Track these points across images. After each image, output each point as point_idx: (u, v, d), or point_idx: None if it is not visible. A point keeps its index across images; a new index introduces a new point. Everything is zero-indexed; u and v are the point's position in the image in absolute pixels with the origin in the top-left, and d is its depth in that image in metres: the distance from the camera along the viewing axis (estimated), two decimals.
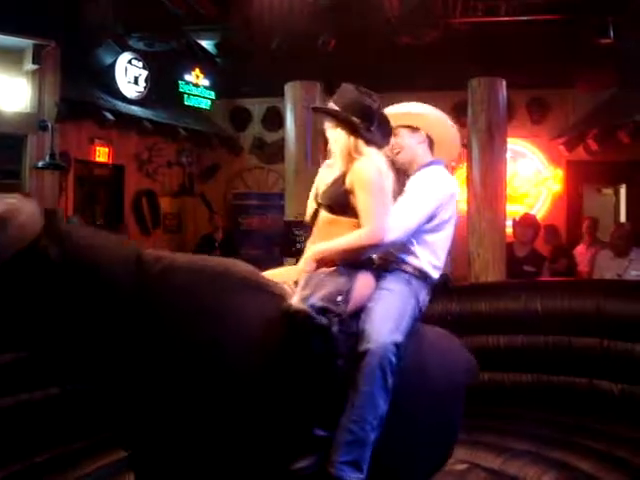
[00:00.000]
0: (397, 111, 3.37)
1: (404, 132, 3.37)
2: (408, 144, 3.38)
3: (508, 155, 7.74)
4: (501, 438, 4.60)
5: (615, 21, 7.50)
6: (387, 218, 3.07)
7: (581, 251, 7.84)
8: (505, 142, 7.29)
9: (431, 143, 3.43)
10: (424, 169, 3.37)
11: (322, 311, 2.78)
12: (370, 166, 3.10)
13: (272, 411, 2.76)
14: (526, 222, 7.31)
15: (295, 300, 2.81)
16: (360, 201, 3.06)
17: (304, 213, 3.37)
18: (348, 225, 3.11)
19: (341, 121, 3.17)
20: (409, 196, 3.28)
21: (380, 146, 3.20)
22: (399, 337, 3.01)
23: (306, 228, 3.34)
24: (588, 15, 7.58)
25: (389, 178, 3.14)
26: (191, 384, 2.61)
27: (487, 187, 7.01)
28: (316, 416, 2.86)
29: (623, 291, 5.00)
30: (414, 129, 3.38)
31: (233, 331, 2.70)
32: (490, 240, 6.91)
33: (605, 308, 4.92)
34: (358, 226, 3.09)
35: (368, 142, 3.15)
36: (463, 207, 8.72)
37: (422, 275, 3.28)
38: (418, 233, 3.25)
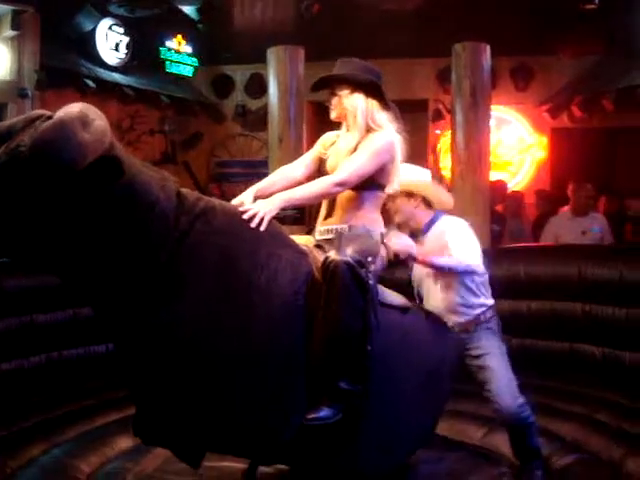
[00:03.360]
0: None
1: (401, 198, 3.71)
2: (404, 208, 3.75)
3: (492, 123, 7.71)
4: (484, 405, 4.65)
5: None
6: (359, 176, 3.07)
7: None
8: (489, 107, 7.24)
9: (429, 202, 3.78)
10: (442, 223, 3.79)
11: (359, 264, 2.84)
12: (383, 137, 3.13)
13: (296, 360, 2.82)
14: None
15: (332, 253, 2.87)
16: (353, 155, 3.09)
17: None
18: (371, 199, 3.17)
19: (359, 83, 3.15)
20: (462, 251, 3.63)
21: (392, 109, 3.23)
22: None
23: None
24: None
25: (398, 154, 3.20)
26: (217, 321, 2.65)
27: (471, 152, 6.97)
28: (342, 369, 2.89)
29: (604, 255, 5.03)
30: (409, 194, 3.73)
31: (264, 279, 2.76)
32: (474, 205, 6.89)
33: (586, 273, 4.96)
34: (381, 199, 3.24)
35: (385, 104, 3.18)
36: (447, 174, 8.74)
37: (491, 311, 3.83)
38: (472, 277, 3.73)
